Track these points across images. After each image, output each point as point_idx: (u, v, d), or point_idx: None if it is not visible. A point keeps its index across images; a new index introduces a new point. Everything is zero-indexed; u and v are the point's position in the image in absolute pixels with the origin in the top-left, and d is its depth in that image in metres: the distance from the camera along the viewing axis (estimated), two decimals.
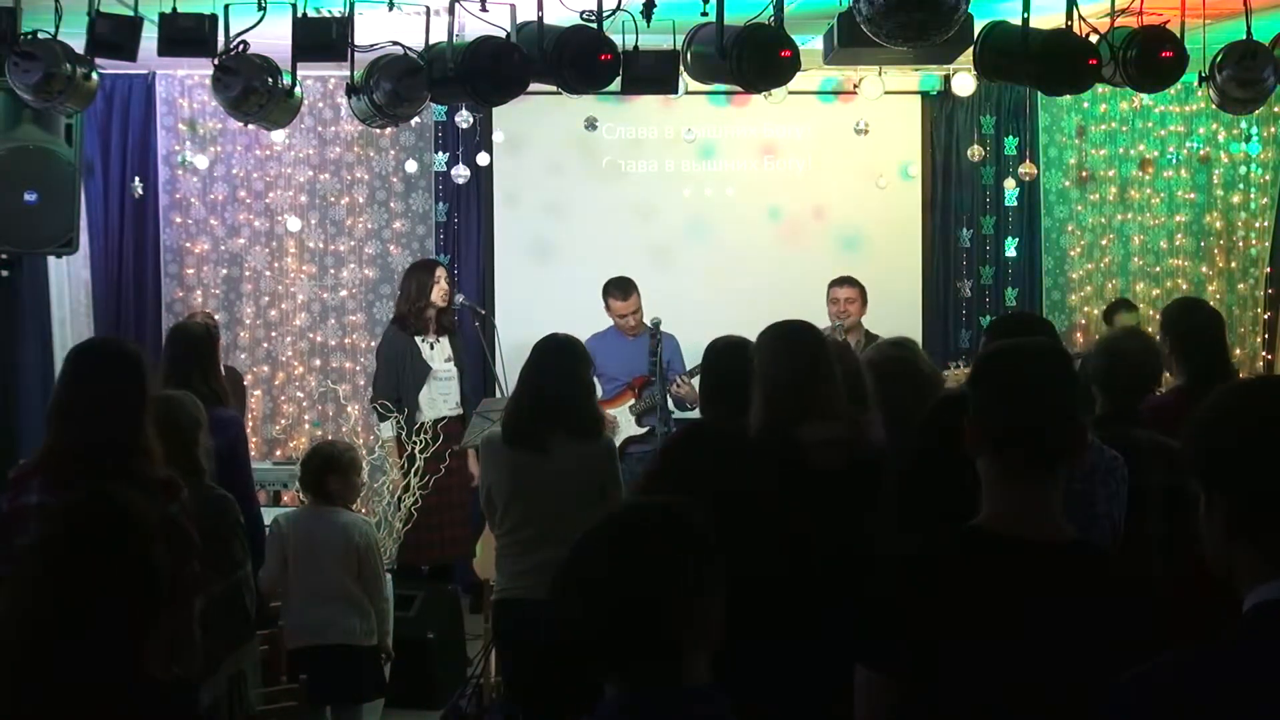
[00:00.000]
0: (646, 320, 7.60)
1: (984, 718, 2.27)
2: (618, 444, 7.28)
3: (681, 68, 5.85)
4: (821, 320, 7.43)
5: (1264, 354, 9.15)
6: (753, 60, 5.43)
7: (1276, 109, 8.76)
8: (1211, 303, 9.07)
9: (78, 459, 3.34)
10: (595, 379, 7.57)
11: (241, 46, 5.51)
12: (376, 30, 5.68)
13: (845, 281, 7.78)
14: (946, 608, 2.26)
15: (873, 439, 3.76)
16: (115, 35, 5.36)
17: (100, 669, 2.33)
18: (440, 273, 7.60)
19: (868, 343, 7.20)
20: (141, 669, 2.37)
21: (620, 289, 7.66)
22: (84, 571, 2.37)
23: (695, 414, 6.36)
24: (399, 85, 5.62)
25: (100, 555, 2.39)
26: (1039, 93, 8.15)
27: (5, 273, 7.15)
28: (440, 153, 8.63)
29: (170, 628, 2.81)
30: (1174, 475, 3.74)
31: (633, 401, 7.52)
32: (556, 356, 4.66)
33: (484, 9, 5.46)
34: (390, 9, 5.59)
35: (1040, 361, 2.44)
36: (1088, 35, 5.57)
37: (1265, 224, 9.21)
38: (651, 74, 5.80)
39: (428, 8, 5.71)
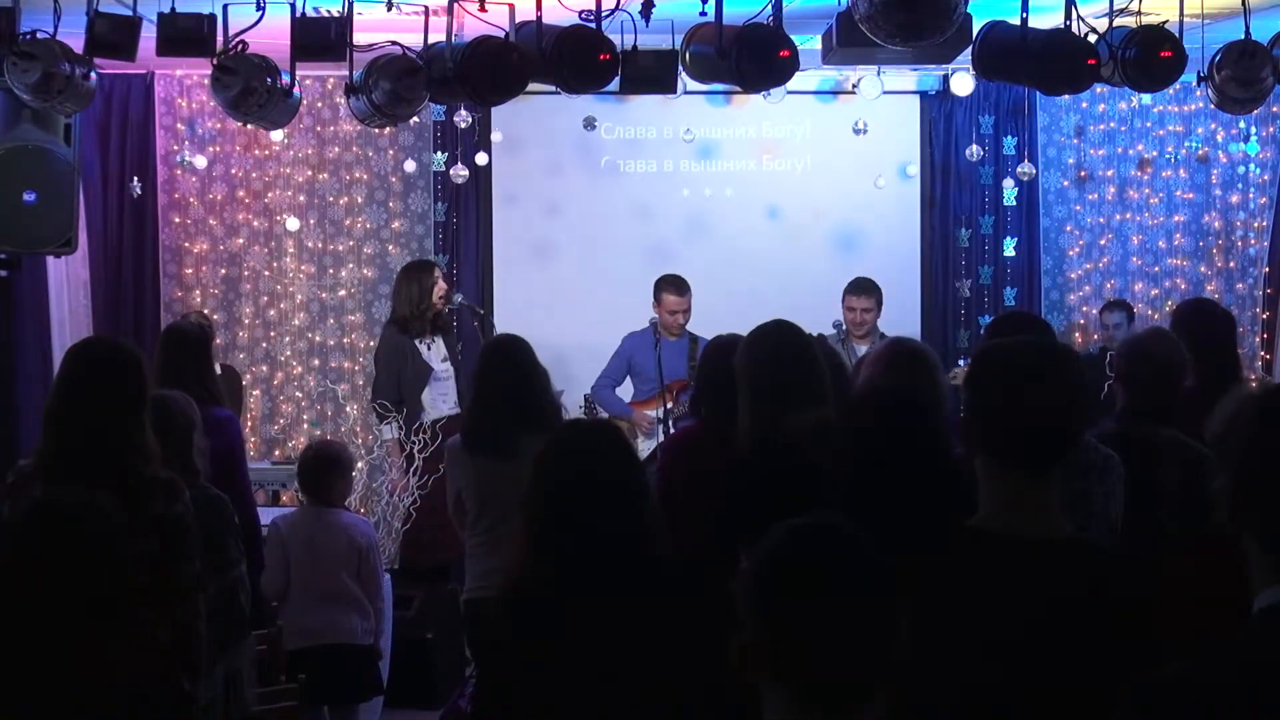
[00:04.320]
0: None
1: (982, 716, 2.27)
2: (649, 450, 7.14)
3: (680, 67, 5.86)
4: (823, 320, 7.43)
5: (1263, 354, 9.14)
6: (751, 60, 5.43)
7: (1275, 109, 8.76)
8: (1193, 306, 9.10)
9: (77, 461, 3.33)
10: (630, 378, 7.58)
11: (240, 46, 5.52)
12: (375, 30, 5.68)
13: (864, 291, 7.57)
14: (944, 605, 2.26)
15: None
16: (114, 35, 5.36)
17: (78, 670, 2.32)
18: (437, 273, 7.57)
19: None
20: (124, 668, 2.37)
21: (675, 284, 7.52)
22: (46, 575, 2.36)
23: None
24: (398, 85, 5.63)
25: (60, 558, 2.38)
26: (1038, 92, 8.15)
27: (4, 273, 7.14)
28: (439, 152, 8.62)
29: (173, 625, 2.81)
30: (1191, 474, 3.75)
31: (668, 405, 7.36)
32: (503, 358, 4.66)
33: (483, 9, 5.47)
34: (389, 9, 5.59)
35: (1033, 361, 2.43)
36: (1086, 35, 5.57)
37: (1264, 223, 9.20)
38: (650, 74, 5.81)
39: (426, 8, 5.71)
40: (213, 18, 5.39)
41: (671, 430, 7.26)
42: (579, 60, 5.43)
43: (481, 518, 4.62)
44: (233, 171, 8.66)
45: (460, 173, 8.34)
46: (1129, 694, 1.72)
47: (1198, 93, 7.67)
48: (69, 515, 2.45)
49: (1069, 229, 9.25)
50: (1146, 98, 8.80)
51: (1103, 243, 9.26)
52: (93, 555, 2.39)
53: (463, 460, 4.64)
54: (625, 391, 7.74)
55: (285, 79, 5.67)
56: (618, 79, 5.67)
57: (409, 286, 7.45)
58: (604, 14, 5.42)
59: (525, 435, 4.46)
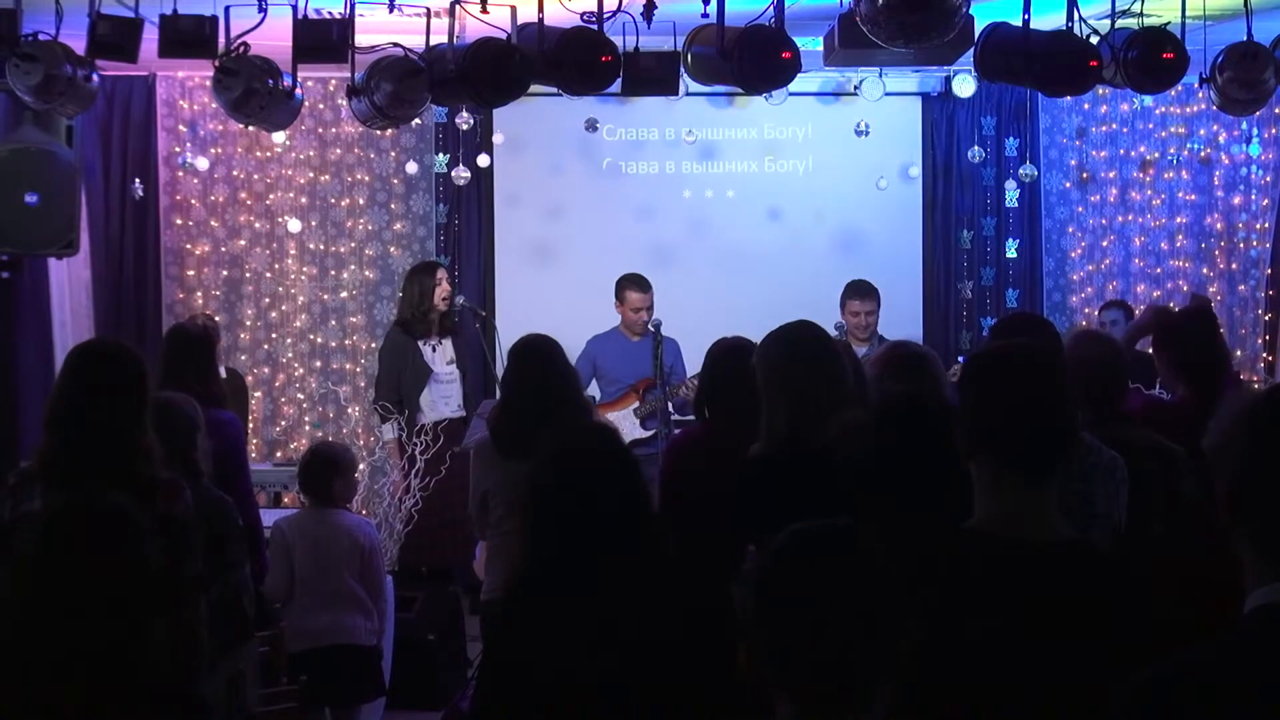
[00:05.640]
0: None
1: (980, 718, 2.27)
2: None
3: (682, 69, 5.86)
4: (824, 321, 7.42)
5: (1265, 355, 9.13)
6: (753, 61, 5.43)
7: (1277, 110, 8.75)
8: (1212, 304, 9.08)
9: (79, 462, 3.33)
10: (595, 380, 7.65)
11: (242, 48, 5.52)
12: (377, 32, 5.68)
13: (865, 294, 7.60)
14: (941, 608, 2.25)
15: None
16: (116, 37, 5.36)
17: (102, 672, 2.32)
18: (441, 274, 7.61)
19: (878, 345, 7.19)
20: (145, 671, 2.37)
21: (637, 282, 7.59)
22: (72, 577, 2.36)
23: None
24: (399, 87, 5.63)
25: (87, 560, 2.38)
26: (1040, 94, 8.15)
27: (6, 274, 7.14)
28: (441, 154, 8.62)
29: (174, 627, 2.80)
30: (1169, 475, 3.76)
31: (636, 404, 7.48)
32: (532, 359, 4.64)
33: (484, 10, 5.47)
34: (391, 10, 5.59)
35: (1026, 365, 2.43)
36: (1088, 36, 5.57)
37: (1266, 225, 9.19)
38: (652, 75, 5.81)
39: (428, 9, 5.71)
40: (214, 19, 5.39)
41: (642, 428, 7.42)
42: (581, 62, 5.43)
43: (507, 518, 4.60)
44: (234, 173, 8.66)
45: (462, 174, 8.34)
46: (1122, 693, 1.72)
47: (1200, 94, 7.67)
48: (97, 516, 2.45)
49: (1071, 230, 9.25)
50: (1148, 99, 8.79)
51: (1105, 244, 9.25)
52: (120, 556, 2.40)
53: (492, 461, 4.62)
54: (618, 398, 7.76)
55: (287, 80, 5.67)
56: (619, 80, 5.67)
57: (411, 287, 7.55)
58: (606, 15, 5.42)
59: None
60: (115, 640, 2.34)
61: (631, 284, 7.60)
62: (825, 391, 3.68)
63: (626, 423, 7.49)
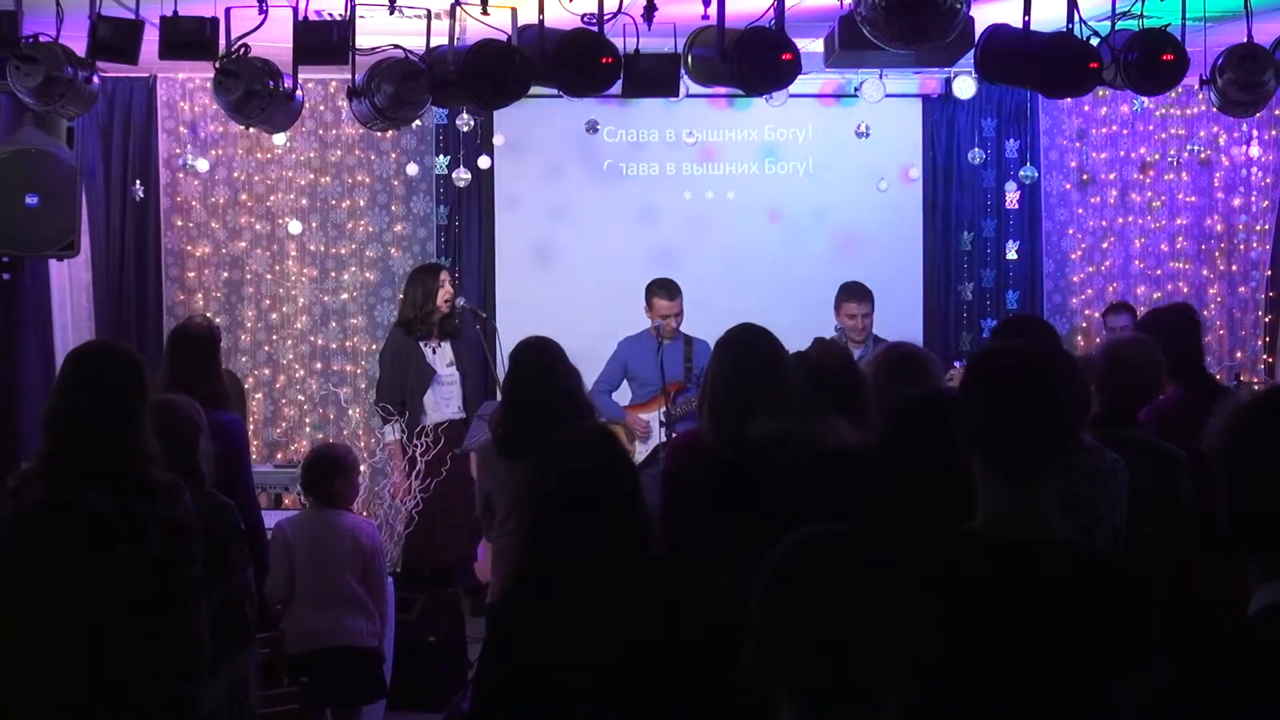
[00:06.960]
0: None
1: (979, 718, 2.27)
2: (650, 449, 7.25)
3: (682, 70, 5.86)
4: (824, 322, 7.45)
5: (1265, 357, 9.13)
6: (753, 63, 5.43)
7: (1277, 112, 8.75)
8: (1212, 305, 9.11)
9: (79, 464, 3.33)
10: (626, 381, 7.63)
11: (242, 49, 5.52)
12: (378, 34, 5.68)
13: (858, 296, 7.58)
14: (940, 609, 2.25)
15: (837, 439, 3.72)
16: (116, 38, 5.37)
17: (77, 673, 2.32)
18: (444, 276, 7.62)
19: (875, 347, 7.18)
20: (128, 671, 2.36)
21: (665, 289, 7.54)
22: (39, 578, 2.36)
23: None
24: (400, 88, 5.63)
25: (52, 560, 2.37)
26: (1040, 96, 8.15)
27: (7, 276, 7.14)
28: (441, 156, 8.63)
29: (174, 628, 2.80)
30: (1163, 477, 3.77)
31: (665, 408, 7.40)
32: (534, 360, 4.65)
33: (485, 12, 5.47)
34: (391, 12, 5.60)
35: (1022, 366, 2.44)
36: (1088, 38, 5.57)
37: (1266, 227, 9.20)
38: (652, 76, 5.82)
39: (429, 11, 5.72)
40: (215, 21, 5.40)
41: (672, 433, 7.34)
42: (581, 63, 5.44)
43: (509, 519, 4.61)
44: (235, 175, 8.66)
45: (462, 176, 8.34)
46: (1125, 696, 1.72)
47: (1200, 96, 7.67)
48: (60, 517, 2.45)
49: (1071, 232, 9.25)
50: (1149, 100, 8.80)
51: (1105, 246, 9.25)
52: (86, 557, 2.39)
53: (494, 462, 4.63)
54: (624, 395, 7.75)
55: (287, 82, 5.68)
56: (620, 82, 5.67)
57: (414, 289, 7.57)
58: (606, 17, 5.42)
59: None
60: (92, 640, 2.34)
61: (659, 291, 7.54)
62: (759, 399, 3.70)
63: (656, 425, 7.46)
